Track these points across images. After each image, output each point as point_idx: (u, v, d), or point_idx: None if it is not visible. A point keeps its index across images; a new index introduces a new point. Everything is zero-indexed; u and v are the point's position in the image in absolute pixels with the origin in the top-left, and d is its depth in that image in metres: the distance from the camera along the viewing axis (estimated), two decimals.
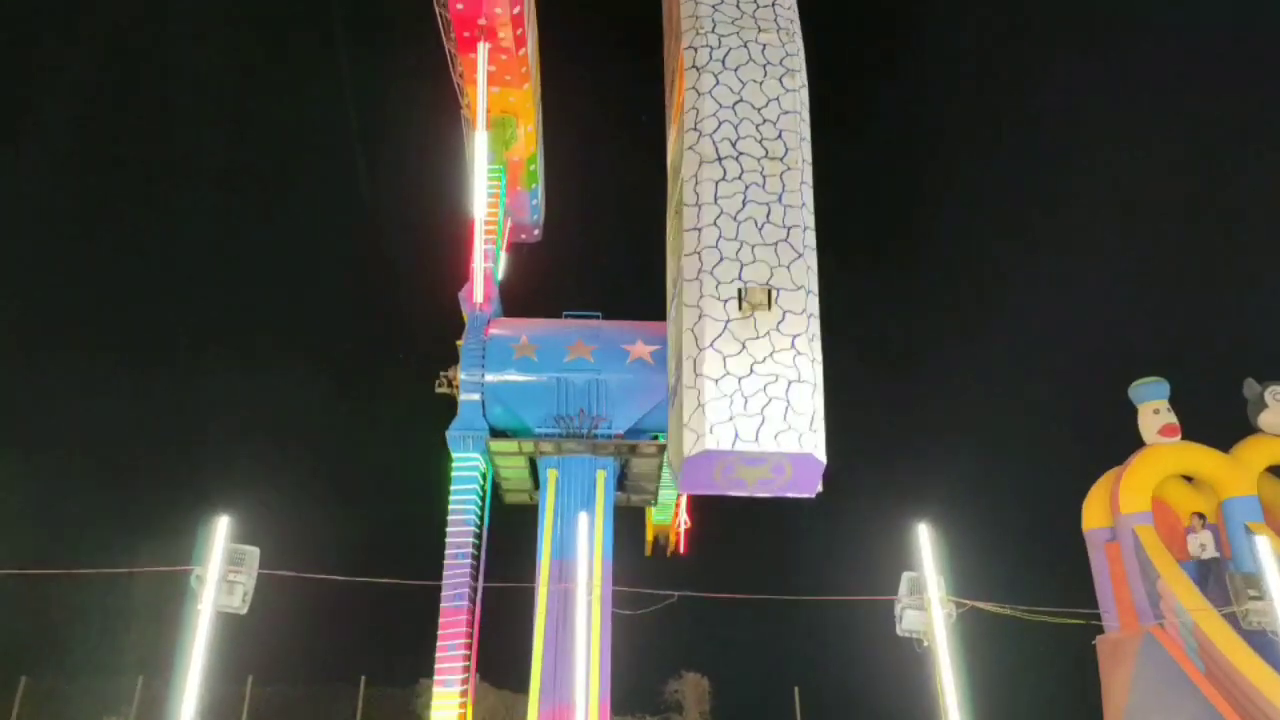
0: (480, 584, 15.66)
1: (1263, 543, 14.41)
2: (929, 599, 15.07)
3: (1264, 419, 18.19)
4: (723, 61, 13.41)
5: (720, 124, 12.91)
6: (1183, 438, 18.17)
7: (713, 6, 14.15)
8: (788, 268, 11.99)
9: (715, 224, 12.24)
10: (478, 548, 15.79)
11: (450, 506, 15.73)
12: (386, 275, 26.44)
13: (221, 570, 13.94)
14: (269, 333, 26.88)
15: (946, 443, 25.32)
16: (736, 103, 13.08)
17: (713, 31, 13.72)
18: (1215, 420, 18.62)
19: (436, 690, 14.63)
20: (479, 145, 17.21)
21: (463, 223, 17.45)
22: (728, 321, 11.57)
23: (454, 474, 16.10)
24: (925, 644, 14.82)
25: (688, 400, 11.44)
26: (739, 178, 12.50)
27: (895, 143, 31.69)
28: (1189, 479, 18.34)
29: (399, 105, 26.01)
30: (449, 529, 15.51)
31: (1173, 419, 18.30)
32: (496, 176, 18.60)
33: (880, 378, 28.03)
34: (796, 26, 14.20)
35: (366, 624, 20.26)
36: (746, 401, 11.11)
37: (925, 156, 31.40)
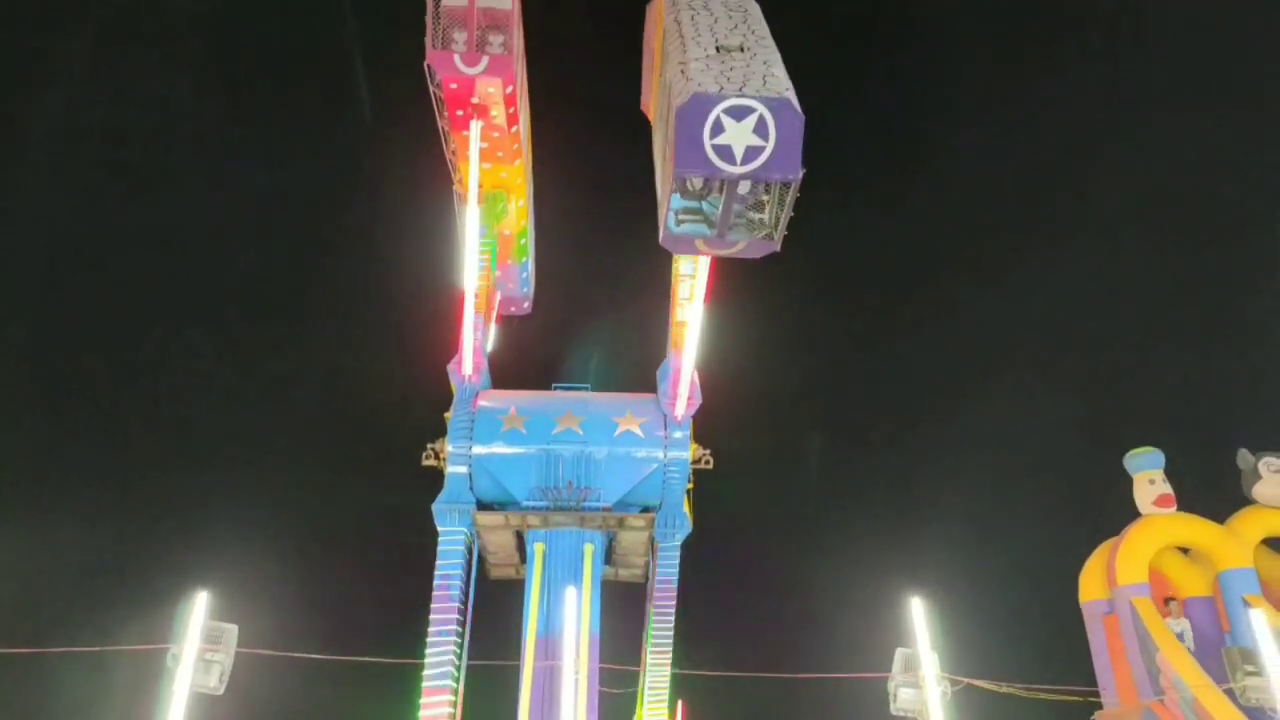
0: (464, 662, 15.33)
1: (1258, 617, 14.19)
2: (924, 676, 14.80)
3: (1258, 490, 18.07)
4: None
5: (692, 2, 15.03)
6: (1177, 509, 18.01)
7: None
8: (755, 41, 13.55)
9: (694, 25, 13.95)
10: (462, 625, 15.51)
11: (435, 582, 15.50)
12: (374, 347, 26.52)
13: (199, 648, 13.70)
14: (251, 405, 26.83)
15: (939, 515, 25.09)
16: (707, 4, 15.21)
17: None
18: (1210, 491, 18.49)
19: None
20: (470, 219, 17.43)
21: (453, 295, 17.57)
22: (709, 55, 13.05)
23: (439, 548, 15.91)
24: None
25: (675, 86, 12.44)
26: (709, 14, 14.48)
27: (878, 205, 32.06)
28: (1185, 551, 18.13)
29: (390, 179, 26.44)
30: (433, 605, 15.27)
31: (1168, 489, 18.18)
32: (487, 250, 18.79)
33: (873, 450, 27.96)
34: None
35: (348, 705, 19.74)
36: (729, 78, 12.36)
37: (917, 226, 31.73)
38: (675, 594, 17.26)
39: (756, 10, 14.81)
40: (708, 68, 12.45)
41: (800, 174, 11.86)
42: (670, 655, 17.85)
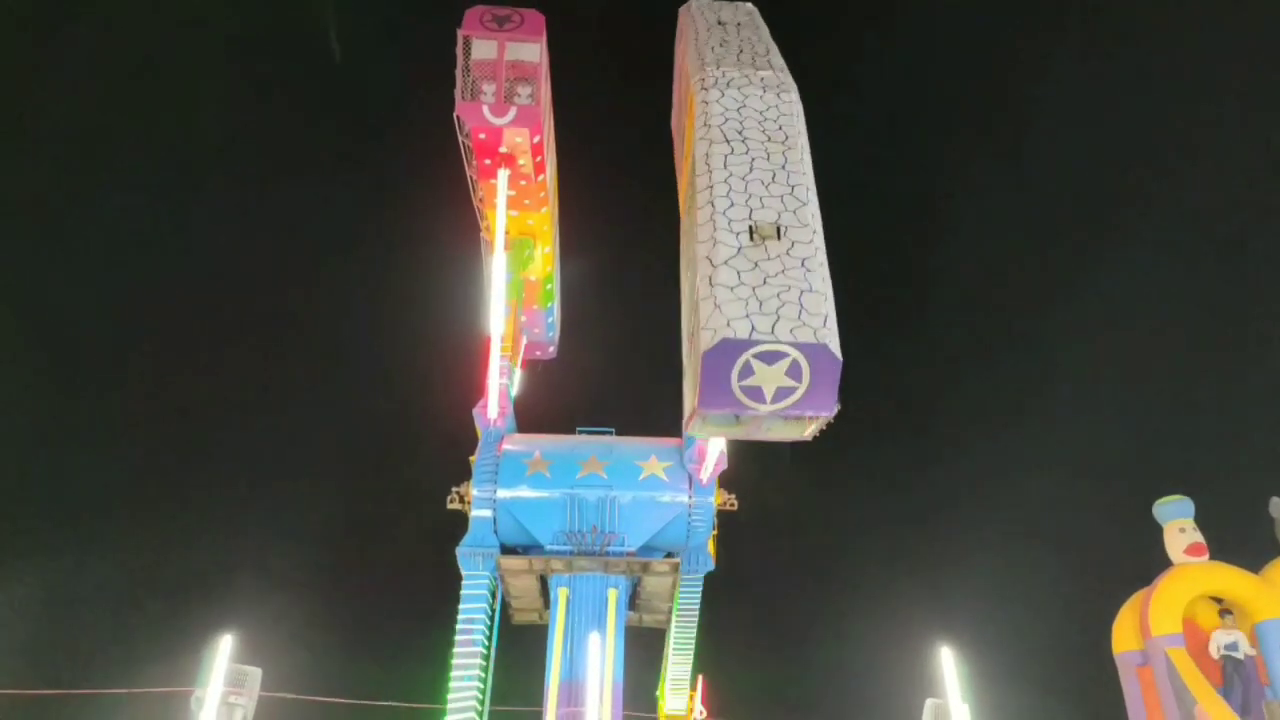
0: (486, 708, 15.18)
1: None
2: None
3: None
4: (727, 84, 14.80)
5: (727, 119, 14.00)
6: (1210, 557, 17.68)
7: (718, 57, 15.45)
8: (794, 212, 12.49)
9: (725, 181, 12.90)
10: (484, 670, 15.39)
11: (458, 626, 15.41)
12: (401, 391, 26.72)
13: (222, 691, 13.68)
14: (277, 450, 27.00)
15: (970, 564, 24.72)
16: (740, 107, 14.27)
17: (718, 67, 15.13)
18: (1241, 540, 18.16)
19: None
20: (497, 266, 17.68)
21: (479, 340, 17.74)
22: (740, 247, 11.99)
23: (463, 592, 15.84)
24: None
25: (703, 309, 11.50)
26: (745, 153, 13.41)
27: (912, 252, 32.13)
28: (1219, 601, 17.74)
29: (417, 226, 26.84)
30: (456, 650, 15.15)
31: (1199, 538, 17.86)
32: (513, 295, 19.00)
33: (901, 499, 27.69)
34: (787, 73, 15.44)
35: None
36: (761, 304, 11.30)
37: (944, 261, 31.71)
38: (697, 616, 17.15)
39: (800, 135, 13.74)
40: (739, 282, 11.46)
41: (835, 410, 11.27)
42: (691, 656, 18.05)
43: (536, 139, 17.96)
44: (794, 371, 11.02)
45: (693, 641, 17.72)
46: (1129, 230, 30.64)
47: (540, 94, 18.05)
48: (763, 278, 11.52)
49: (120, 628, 22.17)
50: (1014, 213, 31.89)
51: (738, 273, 11.59)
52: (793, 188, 12.78)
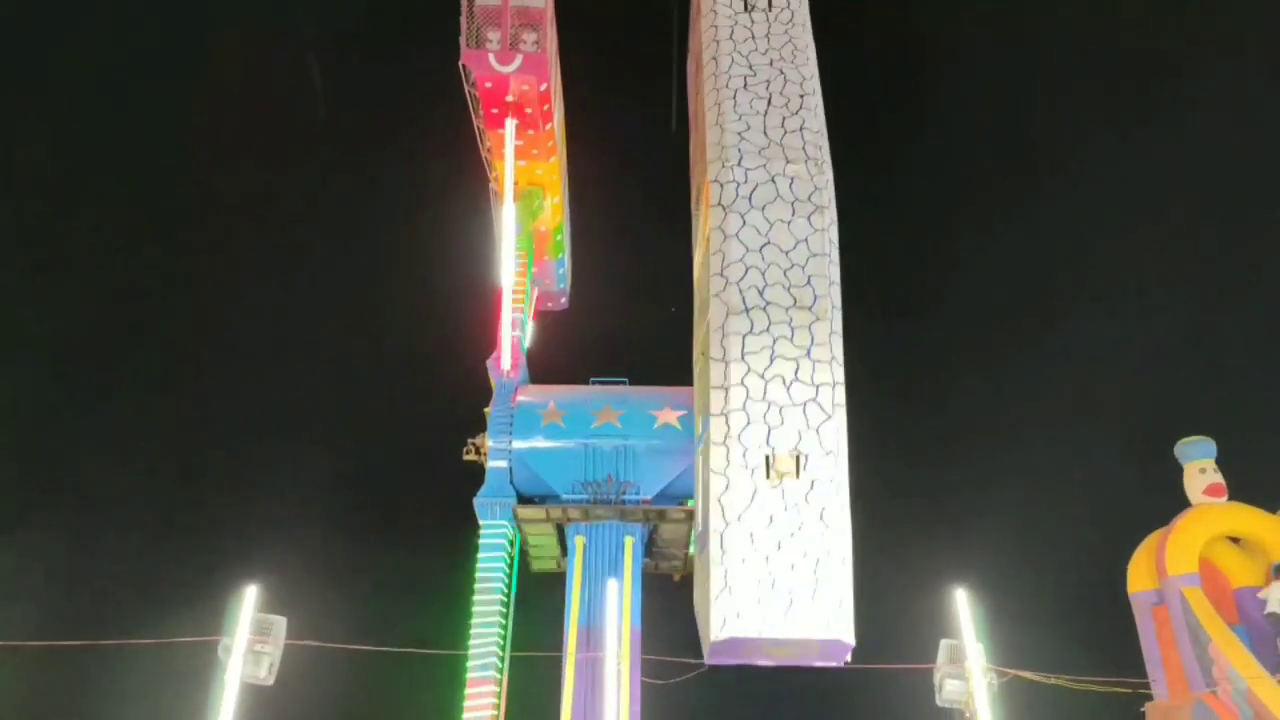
0: (507, 653, 15.47)
1: None
2: (969, 668, 14.66)
3: None
4: (749, 199, 13.34)
5: (747, 270, 12.83)
6: (1229, 498, 17.64)
7: (739, 134, 14.10)
8: (816, 430, 11.86)
9: (743, 383, 12.20)
10: (505, 616, 15.65)
11: (477, 574, 15.65)
12: (417, 345, 26.83)
13: (248, 640, 13.97)
14: (300, 402, 27.30)
15: (985, 504, 24.75)
16: (764, 245, 13.03)
17: (739, 164, 13.62)
18: (1261, 481, 18.07)
19: None
20: (506, 217, 17.59)
21: (491, 292, 17.73)
22: (755, 492, 11.50)
23: (481, 541, 16.06)
24: (967, 715, 14.42)
25: (714, 576, 11.33)
26: (766, 330, 12.45)
27: (931, 196, 31.77)
28: (1236, 541, 17.73)
29: (426, 178, 26.73)
30: (476, 597, 15.41)
31: (1219, 479, 17.82)
32: (524, 246, 18.93)
33: (917, 438, 27.65)
34: (825, 154, 14.01)
35: (394, 695, 20.05)
36: (774, 581, 11.05)
37: (960, 211, 31.36)
38: None
39: (832, 285, 12.82)
40: (753, 548, 11.17)
41: (846, 661, 11.42)
42: None
43: (544, 87, 17.72)
44: (805, 648, 11.18)
45: None
46: (1163, 169, 30.08)
47: (546, 41, 17.79)
48: (777, 541, 11.13)
49: (149, 579, 22.69)
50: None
51: (751, 535, 11.16)
52: (818, 388, 12.00)
